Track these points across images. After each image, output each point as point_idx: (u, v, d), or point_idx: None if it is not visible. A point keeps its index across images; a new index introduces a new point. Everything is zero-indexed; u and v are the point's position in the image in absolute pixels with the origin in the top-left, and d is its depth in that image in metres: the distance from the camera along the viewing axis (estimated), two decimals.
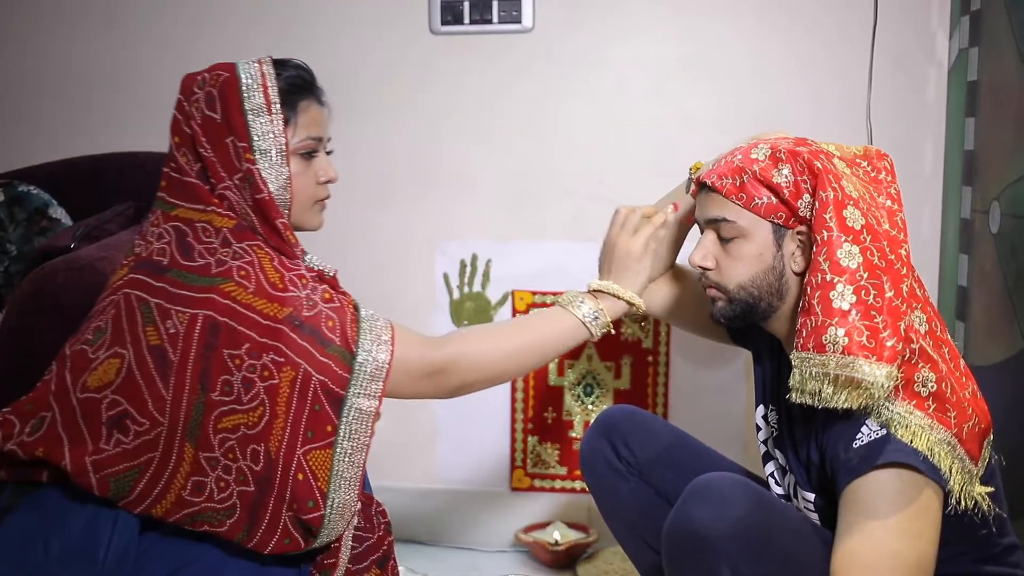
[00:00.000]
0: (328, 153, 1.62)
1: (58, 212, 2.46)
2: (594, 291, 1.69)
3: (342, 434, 1.45)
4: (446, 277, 2.61)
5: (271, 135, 1.50)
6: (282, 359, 1.42)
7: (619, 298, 1.67)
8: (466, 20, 2.53)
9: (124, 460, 1.39)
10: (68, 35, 2.72)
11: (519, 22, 2.52)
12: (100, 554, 1.39)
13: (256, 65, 1.53)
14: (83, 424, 1.39)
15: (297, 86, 1.55)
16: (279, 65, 1.55)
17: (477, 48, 2.55)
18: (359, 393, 1.46)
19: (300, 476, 1.43)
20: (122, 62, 2.70)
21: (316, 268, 1.56)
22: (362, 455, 1.48)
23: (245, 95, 1.50)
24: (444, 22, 2.54)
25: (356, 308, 1.51)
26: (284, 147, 1.51)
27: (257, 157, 1.49)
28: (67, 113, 2.74)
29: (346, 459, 1.46)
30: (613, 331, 1.69)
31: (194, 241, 1.47)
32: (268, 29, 2.62)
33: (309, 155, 1.57)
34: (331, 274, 1.57)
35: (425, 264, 2.62)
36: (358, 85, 2.58)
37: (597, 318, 1.65)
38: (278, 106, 1.51)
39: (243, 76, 1.51)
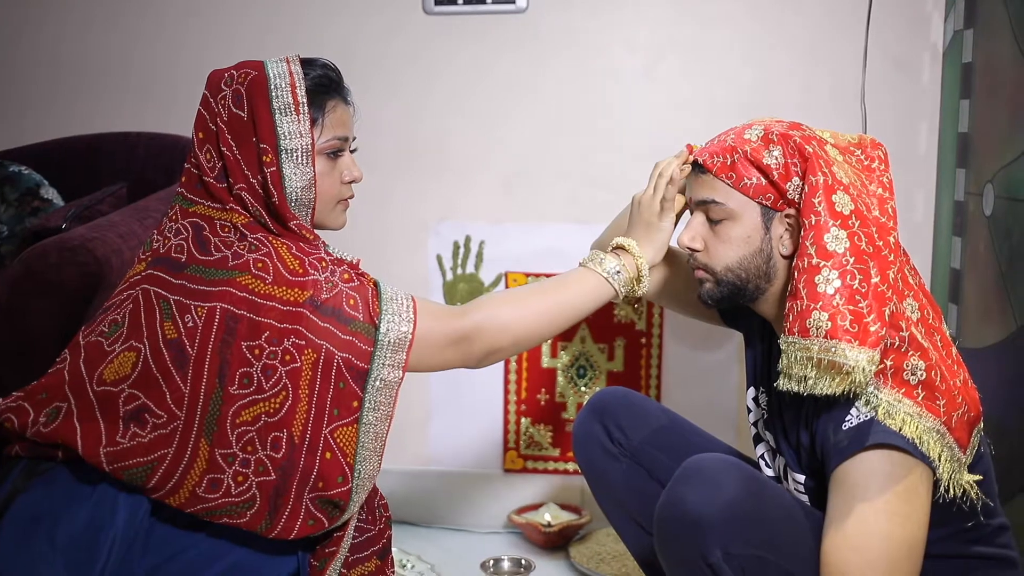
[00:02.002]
0: (352, 152, 1.61)
1: (50, 192, 2.45)
2: (616, 248, 1.68)
3: (367, 407, 1.46)
4: (439, 259, 2.61)
5: (298, 135, 1.49)
6: (303, 342, 1.42)
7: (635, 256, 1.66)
8: (460, 0, 2.52)
9: (138, 455, 1.38)
10: (61, 16, 2.70)
11: (513, 2, 2.50)
12: (107, 539, 1.38)
13: (284, 64, 1.52)
14: (100, 417, 1.39)
15: (324, 85, 1.54)
16: (306, 64, 1.54)
17: (471, 29, 2.54)
18: (383, 364, 1.47)
19: (328, 455, 1.43)
20: (115, 43, 2.68)
21: (337, 257, 1.55)
22: (386, 425, 1.50)
23: (273, 94, 1.48)
24: (438, 2, 2.53)
25: (376, 285, 1.52)
26: (310, 147, 1.50)
27: (281, 158, 1.48)
28: (59, 93, 2.73)
29: (371, 431, 1.47)
30: (638, 291, 1.67)
31: (211, 235, 1.47)
32: (260, 10, 2.61)
33: (335, 154, 1.56)
34: (353, 260, 1.57)
35: (418, 245, 2.62)
36: (351, 65, 2.53)
37: (619, 273, 1.64)
38: (306, 106, 1.50)
39: (271, 75, 1.50)
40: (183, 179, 1.54)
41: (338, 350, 1.44)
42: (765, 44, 2.45)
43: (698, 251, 1.61)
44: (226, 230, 1.48)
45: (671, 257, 1.85)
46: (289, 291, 1.44)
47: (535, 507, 2.58)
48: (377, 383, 1.47)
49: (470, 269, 2.60)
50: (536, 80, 2.54)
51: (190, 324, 1.41)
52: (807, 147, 1.50)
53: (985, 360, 2.06)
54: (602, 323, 2.57)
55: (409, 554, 2.40)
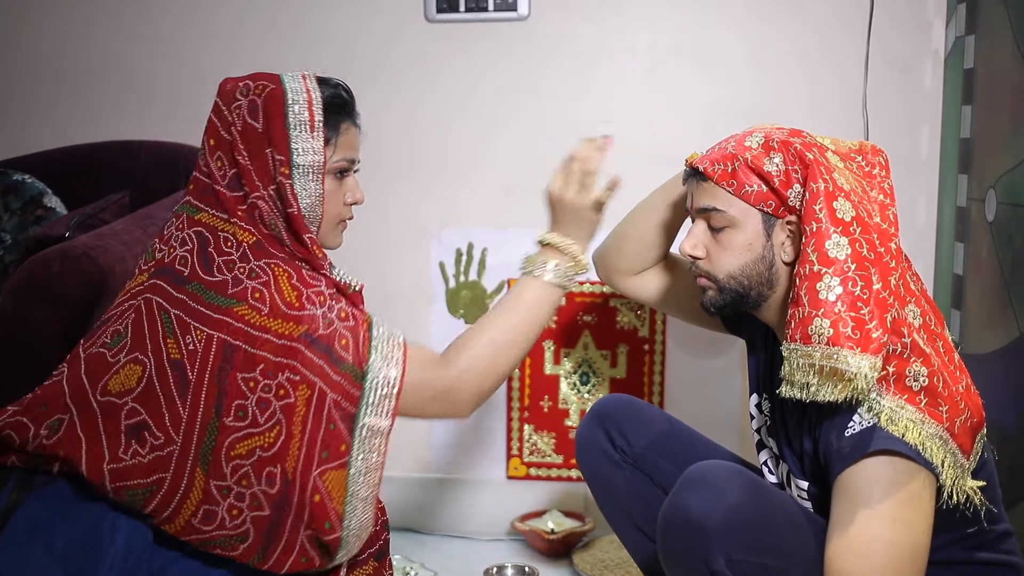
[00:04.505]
0: (355, 172, 1.61)
1: (53, 201, 2.46)
2: (547, 246, 1.66)
3: (355, 453, 1.44)
4: (442, 266, 2.61)
5: (311, 152, 1.50)
6: (298, 377, 1.41)
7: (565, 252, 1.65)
8: (462, 8, 2.52)
9: (139, 475, 1.38)
10: (63, 23, 2.71)
11: (515, 10, 2.51)
12: (107, 553, 1.38)
13: (301, 80, 1.52)
14: (103, 428, 1.39)
15: (339, 106, 1.55)
16: (321, 83, 1.54)
17: (472, 36, 2.54)
18: (370, 412, 1.45)
19: (316, 498, 1.41)
20: (117, 50, 2.69)
21: (342, 281, 1.55)
22: (377, 474, 1.47)
23: (290, 110, 1.49)
24: (440, 10, 2.53)
25: (370, 326, 1.49)
26: (322, 165, 1.51)
27: (293, 172, 1.49)
28: (62, 101, 2.73)
29: (361, 479, 1.45)
30: (580, 276, 1.67)
31: (215, 252, 1.46)
32: (261, 18, 2.61)
33: (341, 175, 1.57)
34: (356, 287, 1.56)
35: (421, 253, 2.62)
36: (352, 72, 2.53)
37: (565, 273, 1.63)
38: (321, 124, 1.51)
39: (288, 89, 1.50)
40: (190, 187, 1.53)
41: (330, 389, 1.42)
42: (767, 50, 2.46)
43: (700, 259, 1.60)
44: (229, 245, 1.47)
45: (673, 265, 1.86)
46: (285, 324, 1.42)
47: (538, 514, 2.57)
48: (365, 431, 1.44)
49: (473, 276, 2.60)
50: (538, 86, 2.54)
51: (191, 347, 1.41)
52: (808, 154, 1.50)
53: (988, 366, 2.06)
54: (605, 330, 2.57)
55: (412, 561, 2.40)
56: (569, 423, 2.61)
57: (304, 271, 1.49)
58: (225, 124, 1.50)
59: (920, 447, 1.41)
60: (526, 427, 2.62)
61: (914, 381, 1.44)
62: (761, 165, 1.52)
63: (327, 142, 1.52)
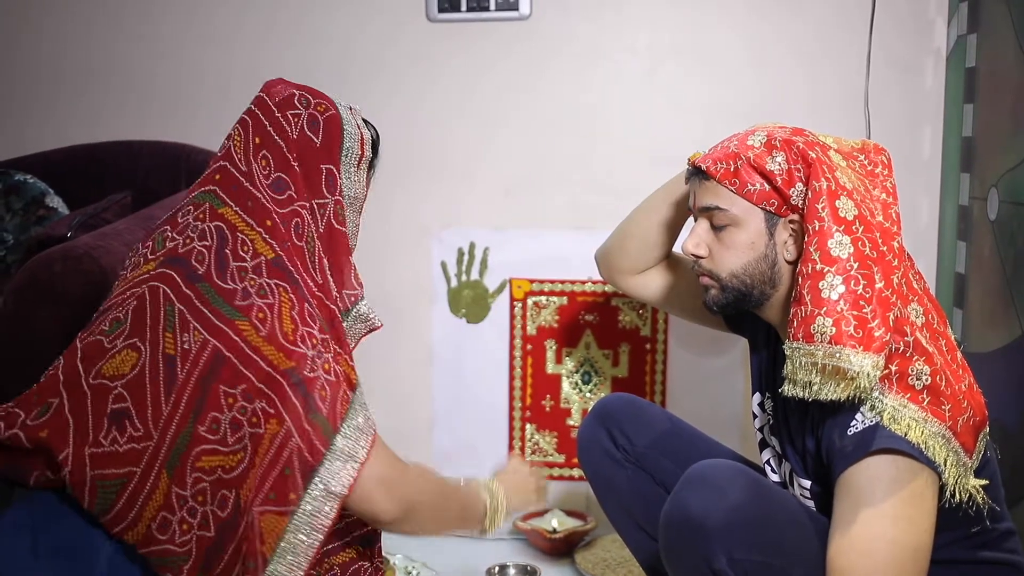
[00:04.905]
0: None
1: (55, 201, 2.46)
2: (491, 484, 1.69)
3: (302, 507, 1.39)
4: (444, 266, 2.61)
5: (357, 184, 1.54)
6: (272, 411, 1.38)
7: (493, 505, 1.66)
8: (463, 7, 2.52)
9: (114, 464, 1.37)
10: (63, 23, 2.71)
11: (516, 9, 2.51)
12: (100, 557, 1.38)
13: (350, 113, 1.56)
14: (90, 410, 1.38)
15: (375, 150, 1.59)
16: (364, 123, 1.59)
17: (474, 36, 2.54)
18: (332, 471, 1.39)
19: (250, 534, 1.38)
20: (117, 50, 2.69)
21: (365, 318, 1.56)
22: (320, 536, 1.40)
23: (345, 140, 1.52)
24: (441, 9, 2.53)
25: (353, 388, 1.45)
26: (363, 201, 1.55)
27: (345, 200, 1.53)
28: (62, 102, 2.74)
29: (301, 536, 1.39)
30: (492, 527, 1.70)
31: (231, 255, 1.44)
32: (261, 19, 2.61)
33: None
34: (377, 325, 1.58)
35: (422, 253, 2.62)
36: (353, 72, 2.58)
37: (485, 516, 1.65)
38: (368, 163, 1.56)
39: (344, 120, 1.54)
40: (217, 176, 1.50)
41: (297, 434, 1.38)
42: (768, 49, 2.46)
43: (703, 258, 1.60)
44: (245, 250, 1.44)
45: (675, 264, 1.86)
46: (276, 354, 1.39)
47: (540, 513, 2.57)
48: (319, 488, 1.39)
49: (474, 276, 2.60)
50: (539, 86, 2.54)
51: (186, 346, 1.39)
52: (810, 153, 1.50)
53: (990, 364, 2.06)
54: (607, 329, 2.57)
55: (414, 561, 2.40)
56: (571, 422, 2.60)
57: (306, 307, 1.45)
58: (278, 127, 1.49)
59: (923, 446, 1.41)
60: (528, 426, 2.62)
61: (917, 380, 1.44)
62: (764, 164, 1.52)
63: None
